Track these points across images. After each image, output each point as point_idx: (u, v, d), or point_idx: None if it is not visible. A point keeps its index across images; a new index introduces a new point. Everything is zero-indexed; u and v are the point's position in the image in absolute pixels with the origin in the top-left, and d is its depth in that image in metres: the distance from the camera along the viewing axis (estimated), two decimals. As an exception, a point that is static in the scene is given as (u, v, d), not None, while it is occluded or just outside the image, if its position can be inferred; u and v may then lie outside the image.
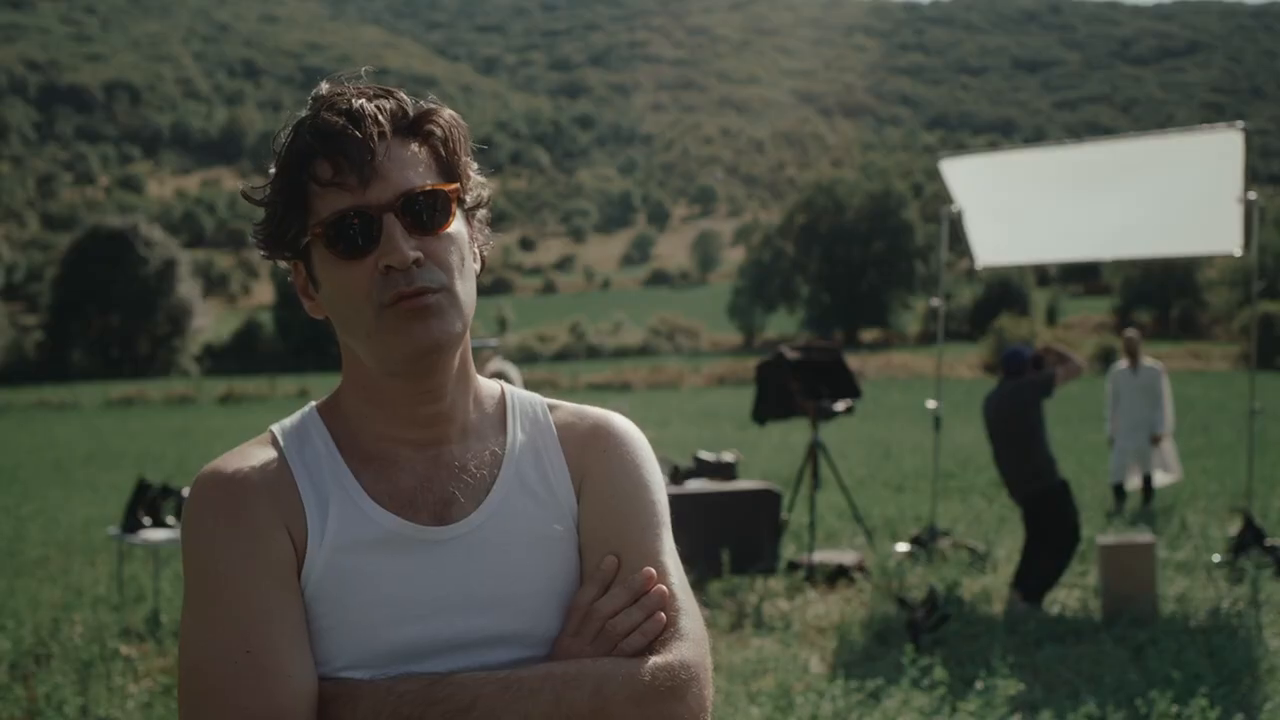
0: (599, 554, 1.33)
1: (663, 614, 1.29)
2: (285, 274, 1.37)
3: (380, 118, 1.27)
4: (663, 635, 1.28)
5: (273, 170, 1.31)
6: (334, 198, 1.26)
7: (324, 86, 1.32)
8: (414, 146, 1.29)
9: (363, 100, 1.28)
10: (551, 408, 1.44)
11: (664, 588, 1.31)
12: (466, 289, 1.31)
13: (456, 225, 1.31)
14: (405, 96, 1.32)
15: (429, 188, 1.28)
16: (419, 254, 1.26)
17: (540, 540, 1.33)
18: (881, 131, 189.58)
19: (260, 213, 1.32)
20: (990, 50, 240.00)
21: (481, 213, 1.38)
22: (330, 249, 1.27)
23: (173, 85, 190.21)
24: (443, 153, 1.31)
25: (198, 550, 1.25)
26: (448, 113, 1.33)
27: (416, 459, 1.33)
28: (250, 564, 1.23)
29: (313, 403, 1.39)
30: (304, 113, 1.31)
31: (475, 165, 1.36)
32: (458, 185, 1.32)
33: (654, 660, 1.26)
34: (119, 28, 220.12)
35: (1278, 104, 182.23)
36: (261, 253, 1.34)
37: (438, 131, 1.31)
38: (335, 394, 1.39)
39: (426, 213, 1.28)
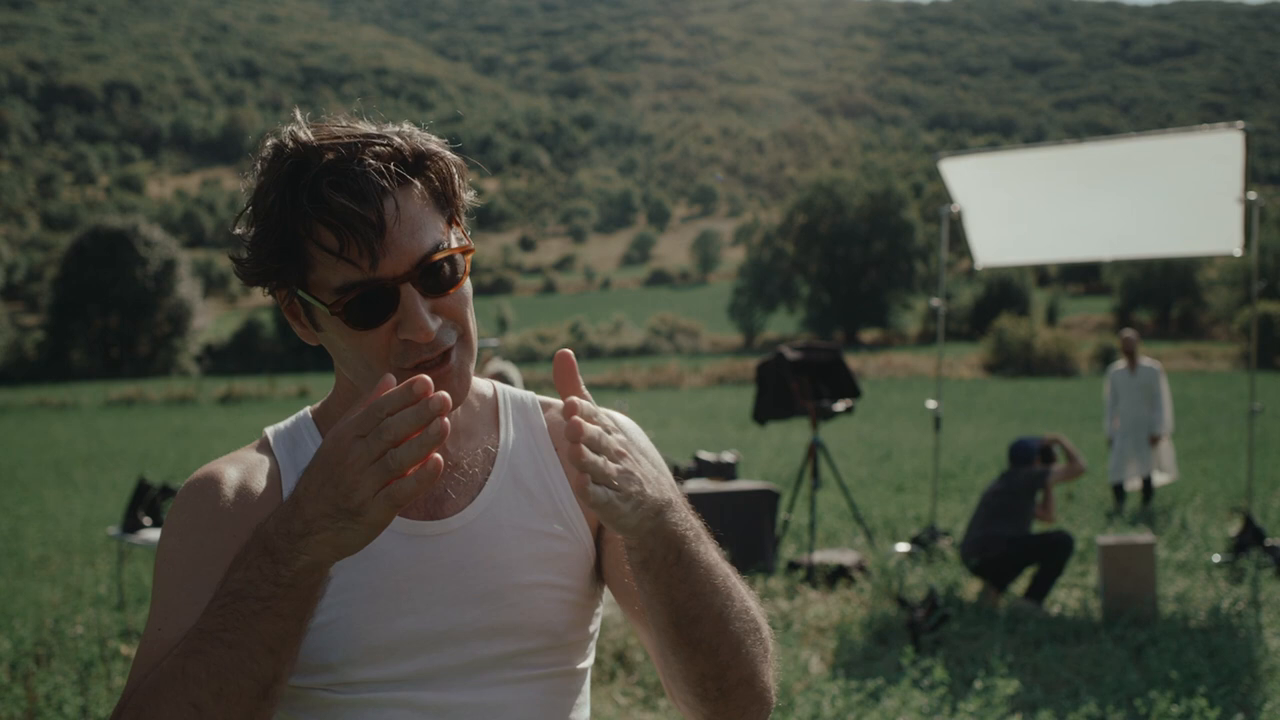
0: (622, 556, 1.34)
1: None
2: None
3: (385, 183, 1.21)
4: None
5: (259, 212, 1.24)
6: (343, 270, 1.21)
7: (305, 131, 1.24)
8: (414, 191, 1.25)
9: (366, 163, 1.20)
10: (544, 405, 1.45)
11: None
12: (473, 323, 1.31)
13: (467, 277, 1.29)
14: (395, 135, 1.25)
15: (443, 254, 1.25)
16: (438, 320, 1.24)
17: (533, 535, 1.33)
18: (881, 131, 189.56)
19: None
20: (990, 50, 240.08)
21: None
22: (345, 322, 1.24)
23: (173, 85, 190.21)
24: (439, 187, 1.28)
25: (161, 540, 1.30)
26: (446, 153, 1.28)
27: None
28: (198, 555, 1.26)
29: (307, 408, 1.42)
30: (288, 142, 1.23)
31: (467, 193, 1.31)
32: (461, 227, 1.30)
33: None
34: (119, 28, 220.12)
35: (1278, 104, 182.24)
36: (244, 282, 1.30)
37: (434, 168, 1.27)
38: (328, 400, 1.40)
39: (441, 274, 1.25)
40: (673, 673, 1.30)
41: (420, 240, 1.23)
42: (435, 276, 1.25)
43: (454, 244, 1.28)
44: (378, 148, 1.23)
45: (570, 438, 1.12)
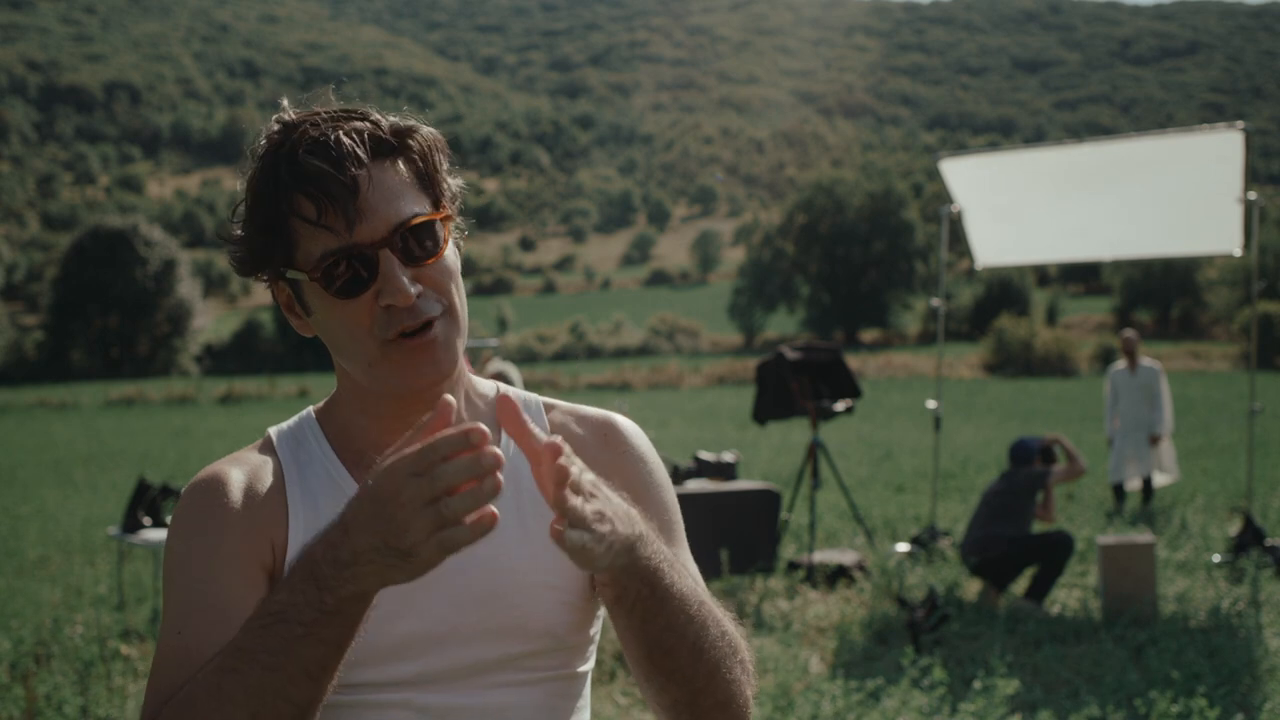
0: None
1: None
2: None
3: (359, 151, 1.23)
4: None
5: (247, 193, 1.28)
6: (323, 238, 1.24)
7: (289, 114, 1.29)
8: (394, 167, 1.27)
9: (339, 132, 1.24)
10: (547, 407, 1.44)
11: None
12: (462, 301, 1.31)
13: (448, 247, 1.30)
14: (376, 114, 1.29)
15: (421, 220, 1.26)
16: (419, 287, 1.25)
17: (535, 536, 1.32)
18: (881, 131, 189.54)
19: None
20: (990, 50, 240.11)
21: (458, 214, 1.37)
22: (326, 290, 1.25)
23: (173, 85, 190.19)
24: (421, 166, 1.29)
25: (168, 543, 1.30)
26: (424, 128, 1.31)
27: None
28: (207, 557, 1.25)
29: (310, 408, 1.41)
30: (273, 126, 1.28)
31: (451, 171, 1.33)
32: (446, 209, 1.31)
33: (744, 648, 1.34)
34: (119, 28, 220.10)
35: (1278, 104, 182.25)
36: (238, 272, 1.33)
37: (415, 146, 1.29)
38: (331, 400, 1.40)
39: (420, 243, 1.26)
40: (648, 698, 1.31)
41: (398, 208, 1.25)
42: (414, 245, 1.26)
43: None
44: (356, 122, 1.26)
45: (556, 481, 1.08)
